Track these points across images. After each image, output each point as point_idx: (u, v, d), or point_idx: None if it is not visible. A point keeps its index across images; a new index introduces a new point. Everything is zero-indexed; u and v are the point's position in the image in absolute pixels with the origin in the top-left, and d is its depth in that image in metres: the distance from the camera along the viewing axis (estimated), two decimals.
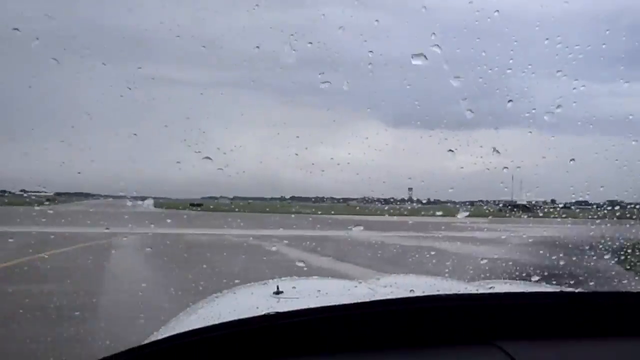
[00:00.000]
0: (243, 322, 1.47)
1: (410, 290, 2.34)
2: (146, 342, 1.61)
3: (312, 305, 1.60)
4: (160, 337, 1.68)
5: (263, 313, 1.51)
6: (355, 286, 2.63)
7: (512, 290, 2.23)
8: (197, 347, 1.42)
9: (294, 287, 2.48)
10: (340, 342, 1.47)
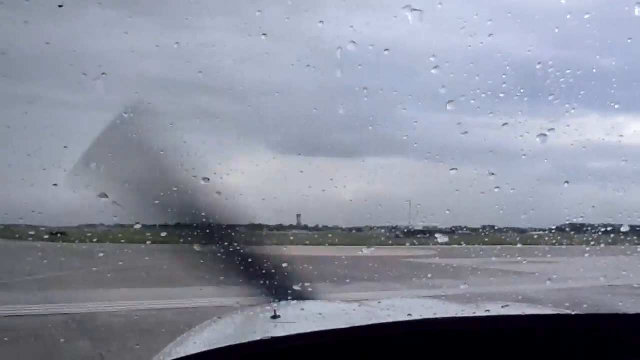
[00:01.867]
0: (240, 347, 1.46)
1: (408, 315, 2.34)
2: None
3: (310, 330, 1.61)
4: None
5: (260, 338, 1.50)
6: (354, 309, 2.59)
7: (509, 313, 2.21)
8: None
9: (291, 311, 2.46)
10: None
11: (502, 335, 1.57)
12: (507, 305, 3.18)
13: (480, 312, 2.34)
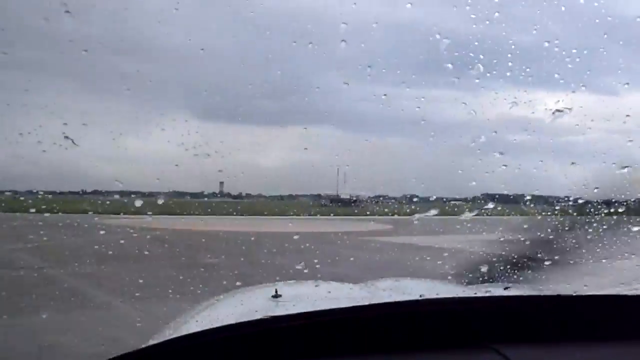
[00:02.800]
0: (242, 326, 1.47)
1: (408, 294, 2.32)
2: (145, 345, 1.55)
3: (311, 309, 1.62)
4: (159, 340, 1.64)
5: (261, 317, 1.52)
6: (354, 289, 2.58)
7: (509, 294, 2.21)
8: (196, 350, 1.41)
9: (292, 291, 2.43)
10: (339, 346, 1.47)
11: (503, 315, 1.59)
12: (508, 287, 3.22)
13: (480, 293, 2.34)
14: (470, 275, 3.04)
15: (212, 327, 1.52)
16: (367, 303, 1.74)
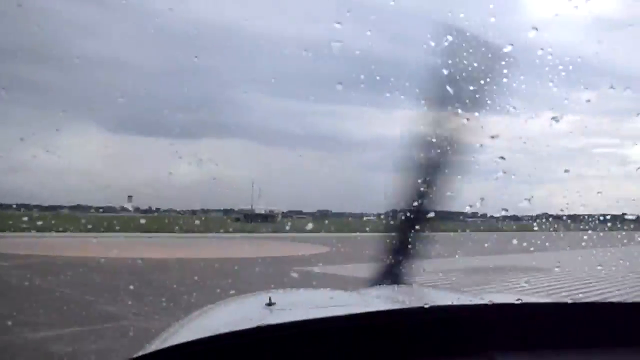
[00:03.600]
0: (235, 335, 1.45)
1: (402, 302, 2.30)
2: (136, 355, 1.49)
3: (305, 317, 1.61)
4: (151, 350, 1.61)
5: (255, 325, 1.48)
6: (350, 297, 2.54)
7: (506, 301, 2.17)
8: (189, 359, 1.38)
9: (286, 299, 2.38)
10: (334, 355, 1.45)
11: (500, 323, 1.58)
12: (504, 293, 3.14)
13: (475, 301, 2.29)
14: None
15: (205, 335, 1.50)
16: (362, 311, 1.73)
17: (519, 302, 1.74)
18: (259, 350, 1.43)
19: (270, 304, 2.10)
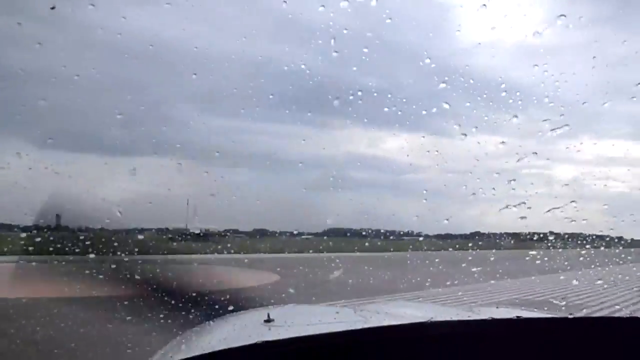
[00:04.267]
0: (234, 351, 1.45)
1: (401, 317, 2.34)
2: None
3: (303, 333, 1.62)
4: None
5: (254, 342, 1.47)
6: (347, 314, 2.51)
7: (502, 317, 2.15)
8: None
9: (285, 315, 2.38)
10: None
11: (496, 338, 1.58)
12: (500, 308, 3.18)
13: (474, 316, 2.31)
14: None
15: (203, 353, 1.49)
16: (360, 327, 1.73)
17: (516, 317, 1.75)
18: None
19: (268, 320, 2.10)
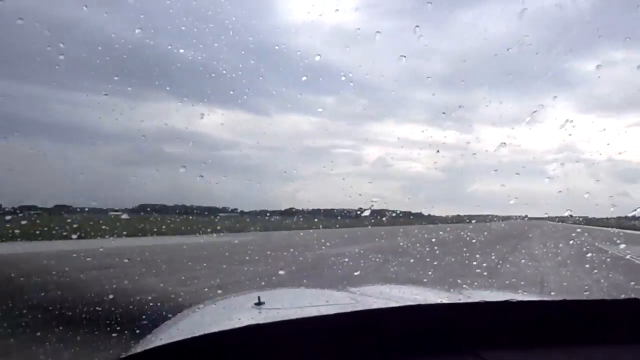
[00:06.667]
0: (224, 334, 1.44)
1: (390, 299, 2.36)
2: (125, 355, 1.43)
3: (294, 316, 1.65)
4: (139, 350, 1.53)
5: (244, 324, 1.49)
6: (337, 296, 2.52)
7: (492, 299, 2.16)
8: (177, 359, 1.37)
9: (275, 298, 2.38)
10: (322, 353, 1.45)
11: (485, 321, 1.58)
12: (491, 292, 3.03)
13: (465, 299, 2.35)
14: None
15: (193, 335, 1.48)
16: (350, 310, 1.77)
17: (506, 300, 1.75)
18: (247, 349, 1.43)
19: (259, 303, 2.11)
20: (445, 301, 2.16)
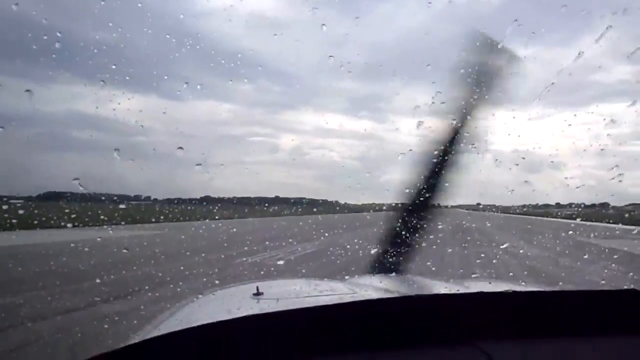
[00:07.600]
0: (222, 324, 1.45)
1: (388, 290, 2.36)
2: (122, 345, 1.39)
3: (293, 306, 1.64)
4: (137, 340, 1.49)
5: (243, 315, 1.48)
6: (336, 287, 2.49)
7: (491, 290, 2.13)
8: (175, 350, 1.38)
9: (274, 288, 2.38)
10: (321, 344, 1.46)
11: (484, 312, 1.57)
12: (490, 283, 3.03)
13: (464, 290, 2.34)
14: None
15: (192, 325, 1.47)
16: (349, 300, 1.77)
17: (506, 290, 1.73)
18: (246, 340, 1.43)
19: (257, 293, 2.11)
20: (443, 292, 2.20)
